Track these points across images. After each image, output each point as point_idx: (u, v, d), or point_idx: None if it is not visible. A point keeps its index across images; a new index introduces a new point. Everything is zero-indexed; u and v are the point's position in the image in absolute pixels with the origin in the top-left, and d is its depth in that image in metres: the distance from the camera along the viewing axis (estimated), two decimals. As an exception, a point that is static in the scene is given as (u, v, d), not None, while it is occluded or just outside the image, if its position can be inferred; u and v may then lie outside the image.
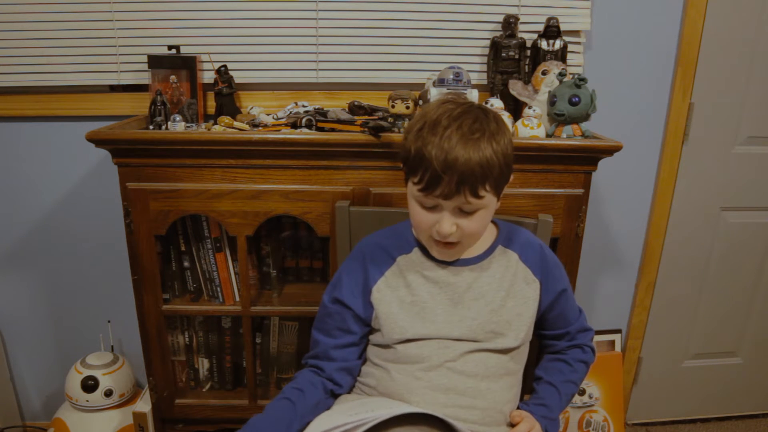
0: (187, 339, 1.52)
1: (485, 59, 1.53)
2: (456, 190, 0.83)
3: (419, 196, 0.88)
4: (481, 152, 0.83)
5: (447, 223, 0.87)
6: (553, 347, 1.08)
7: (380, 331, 0.98)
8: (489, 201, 0.88)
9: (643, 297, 1.82)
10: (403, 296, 0.96)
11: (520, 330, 0.97)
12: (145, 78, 1.48)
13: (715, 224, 1.78)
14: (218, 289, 1.41)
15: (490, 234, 1.02)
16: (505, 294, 0.97)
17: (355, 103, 1.37)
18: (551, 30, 1.44)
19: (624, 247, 1.79)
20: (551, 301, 1.01)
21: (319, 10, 1.49)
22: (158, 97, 1.35)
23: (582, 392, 1.76)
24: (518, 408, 0.99)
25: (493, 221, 1.05)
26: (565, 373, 1.04)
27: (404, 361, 0.94)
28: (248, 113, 1.47)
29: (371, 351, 1.00)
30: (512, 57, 1.45)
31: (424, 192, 0.86)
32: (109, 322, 1.67)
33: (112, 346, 1.67)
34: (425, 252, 0.98)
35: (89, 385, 1.54)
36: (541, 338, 1.09)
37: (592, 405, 1.77)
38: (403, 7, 1.50)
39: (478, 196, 0.85)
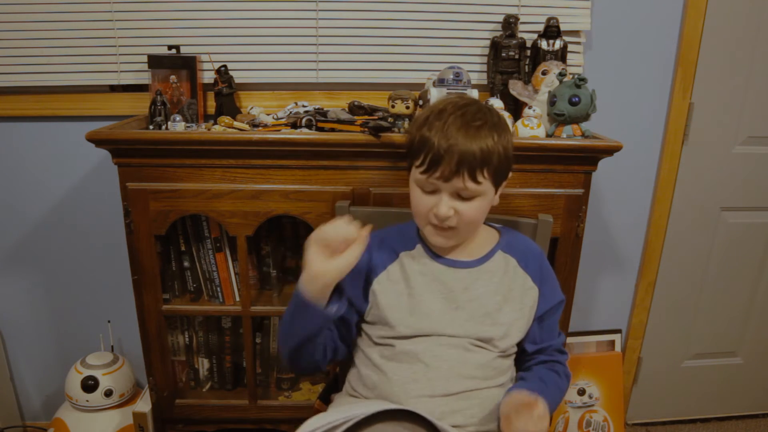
0: (187, 339, 1.52)
1: (485, 59, 1.53)
2: (455, 171, 0.86)
3: (421, 179, 0.90)
4: (481, 138, 0.86)
5: (444, 206, 0.89)
6: (533, 360, 1.04)
7: (377, 324, 0.98)
8: (487, 189, 0.90)
9: (643, 297, 1.82)
10: (401, 290, 0.97)
11: (514, 336, 0.97)
12: (145, 78, 1.48)
13: (715, 224, 1.78)
14: (218, 289, 1.41)
15: (491, 238, 1.02)
16: (501, 299, 0.97)
17: (355, 103, 1.38)
18: (551, 30, 1.44)
19: (624, 247, 1.79)
20: (547, 310, 1.01)
21: (319, 10, 1.49)
22: (158, 97, 1.35)
23: (582, 392, 1.76)
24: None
25: (495, 227, 1.05)
26: (553, 378, 1.00)
27: (400, 360, 0.94)
28: (248, 113, 1.47)
29: (369, 351, 1.00)
30: (512, 57, 1.45)
31: (425, 174, 0.88)
32: (109, 322, 1.67)
33: (112, 346, 1.67)
34: (427, 249, 0.99)
35: (89, 385, 1.53)
36: (521, 353, 1.04)
37: (592, 405, 1.77)
38: (403, 7, 1.50)
39: (476, 181, 0.87)
